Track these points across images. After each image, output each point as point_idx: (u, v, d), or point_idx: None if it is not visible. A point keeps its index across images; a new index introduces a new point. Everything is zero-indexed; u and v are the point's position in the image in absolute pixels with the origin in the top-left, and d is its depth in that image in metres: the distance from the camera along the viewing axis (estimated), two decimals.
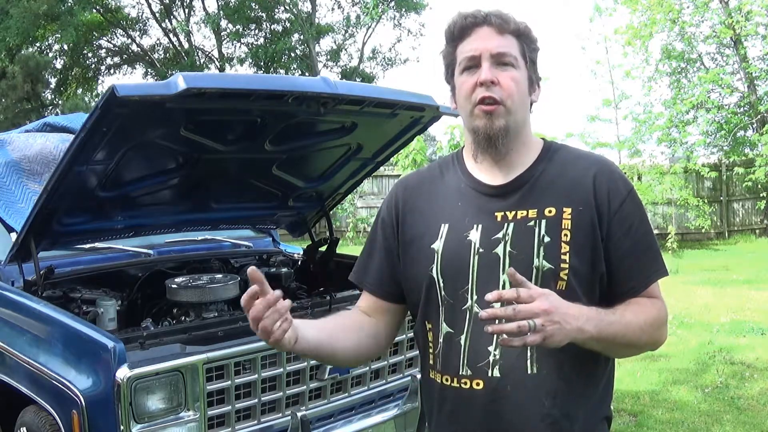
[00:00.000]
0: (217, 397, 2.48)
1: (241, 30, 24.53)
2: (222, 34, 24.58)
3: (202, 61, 25.19)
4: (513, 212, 1.41)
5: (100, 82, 26.36)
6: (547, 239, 1.37)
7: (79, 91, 25.83)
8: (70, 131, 3.75)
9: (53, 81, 23.68)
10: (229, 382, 2.49)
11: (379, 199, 15.67)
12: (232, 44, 25.43)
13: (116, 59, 26.41)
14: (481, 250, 1.41)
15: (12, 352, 2.60)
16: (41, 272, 2.76)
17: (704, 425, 4.09)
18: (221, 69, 24.49)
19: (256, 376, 2.57)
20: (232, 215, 3.50)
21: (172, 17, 25.20)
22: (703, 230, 14.30)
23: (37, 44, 22.82)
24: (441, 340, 1.45)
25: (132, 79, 26.27)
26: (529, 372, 1.36)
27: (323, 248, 3.71)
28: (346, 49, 26.41)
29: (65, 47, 23.70)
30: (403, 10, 25.17)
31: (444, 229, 1.46)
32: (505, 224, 1.41)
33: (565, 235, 1.38)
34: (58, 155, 3.35)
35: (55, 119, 4.06)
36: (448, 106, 2.99)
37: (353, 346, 1.52)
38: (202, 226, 3.58)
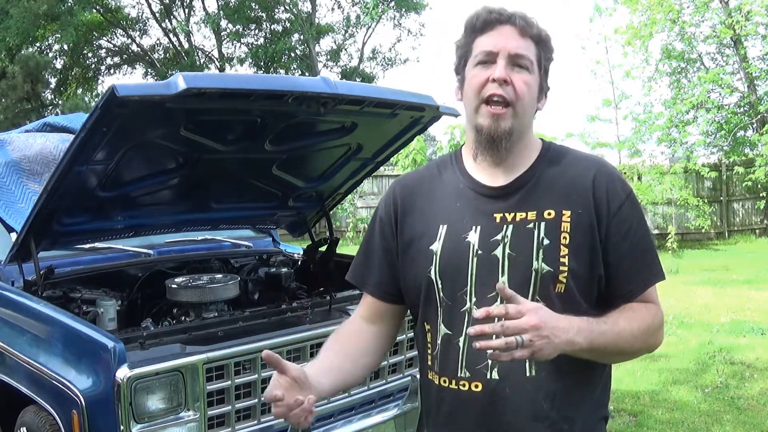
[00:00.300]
0: (217, 397, 2.48)
1: (241, 30, 24.53)
2: (222, 34, 24.58)
3: (202, 61, 25.19)
4: (512, 214, 1.41)
5: (100, 82, 26.38)
6: (546, 242, 1.37)
7: (79, 91, 25.83)
8: (70, 131, 3.75)
9: (53, 81, 23.68)
10: (229, 382, 2.49)
11: (378, 199, 15.66)
12: (232, 44, 25.45)
13: (116, 59, 26.42)
14: (479, 251, 1.40)
15: (12, 352, 2.60)
16: (41, 272, 2.76)
17: (704, 425, 4.09)
18: (221, 69, 24.49)
19: (256, 376, 2.57)
20: (232, 215, 3.49)
21: (172, 17, 25.21)
22: (703, 230, 14.30)
23: (37, 44, 22.82)
24: (439, 341, 1.45)
25: (132, 79, 26.30)
26: (527, 374, 1.36)
27: (323, 248, 3.71)
28: (346, 49, 26.44)
29: (65, 47, 23.70)
30: (403, 10, 25.17)
31: (442, 230, 1.45)
32: (504, 226, 1.40)
33: (564, 237, 1.37)
34: (58, 155, 3.35)
35: (55, 119, 4.06)
36: (448, 105, 3.01)
37: (363, 370, 1.58)
38: (202, 226, 3.58)
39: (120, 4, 24.58)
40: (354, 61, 26.38)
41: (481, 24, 1.42)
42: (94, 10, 23.46)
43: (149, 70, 25.66)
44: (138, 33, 25.65)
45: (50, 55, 23.39)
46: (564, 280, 1.36)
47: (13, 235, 2.91)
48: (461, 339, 1.41)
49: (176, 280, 3.07)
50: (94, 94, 25.21)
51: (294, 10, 24.13)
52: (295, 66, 24.81)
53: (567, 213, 1.39)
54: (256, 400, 2.59)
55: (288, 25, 24.55)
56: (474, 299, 1.40)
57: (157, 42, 26.45)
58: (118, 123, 2.31)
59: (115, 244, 3.31)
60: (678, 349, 5.69)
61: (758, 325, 6.48)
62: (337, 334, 1.59)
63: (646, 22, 14.58)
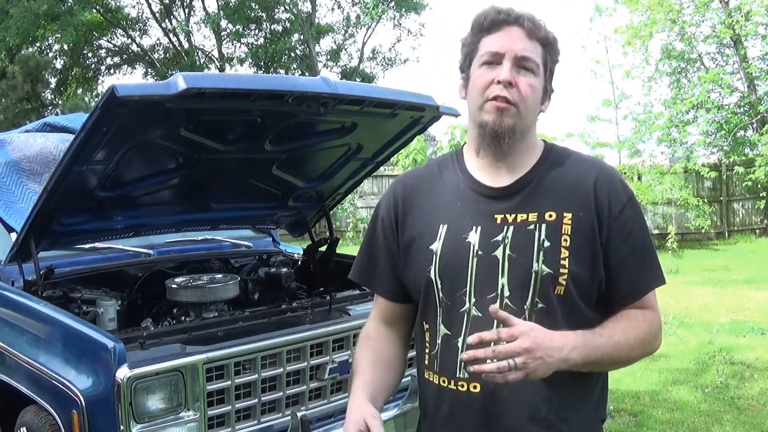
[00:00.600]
0: (217, 397, 2.48)
1: (241, 30, 24.53)
2: (222, 34, 24.58)
3: (202, 61, 25.19)
4: (513, 215, 1.41)
5: (100, 82, 26.38)
6: (547, 244, 1.37)
7: (79, 91, 25.83)
8: (70, 131, 3.75)
9: (53, 81, 23.68)
10: (229, 382, 2.49)
11: (379, 199, 15.64)
12: (232, 44, 25.46)
13: (116, 59, 26.42)
14: (480, 252, 1.40)
15: (12, 352, 2.60)
16: (41, 272, 2.76)
17: (704, 425, 4.09)
18: (221, 69, 24.49)
19: (256, 376, 2.57)
20: (232, 215, 3.49)
21: (172, 17, 25.21)
22: (703, 230, 14.30)
23: (37, 44, 22.82)
24: (439, 341, 1.45)
25: (132, 79, 26.30)
26: None
27: (323, 248, 3.71)
28: (346, 49, 26.44)
29: (65, 47, 23.71)
30: (403, 10, 25.17)
31: (443, 229, 1.45)
32: (505, 227, 1.40)
33: (565, 240, 1.37)
34: (58, 155, 3.35)
35: (55, 119, 4.06)
36: (448, 105, 3.01)
37: (400, 376, 1.60)
38: (202, 226, 3.58)
39: (120, 4, 24.60)
40: (354, 61, 26.40)
41: (489, 23, 1.42)
42: (94, 10, 23.45)
43: (149, 70, 25.66)
44: (138, 33, 25.68)
45: (50, 55, 23.39)
46: (564, 283, 1.36)
47: (13, 235, 2.91)
48: (460, 339, 1.41)
49: (176, 280, 3.07)
50: (94, 94, 25.22)
51: (294, 10, 24.13)
52: (295, 66, 24.81)
53: (568, 215, 1.39)
54: (256, 400, 2.59)
55: (288, 25, 24.55)
56: (473, 300, 1.40)
57: (157, 42, 26.49)
58: (118, 123, 2.31)
59: (115, 244, 3.31)
60: (678, 349, 5.69)
61: (758, 325, 6.48)
62: (369, 343, 1.58)
63: (646, 22, 14.59)
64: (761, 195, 14.05)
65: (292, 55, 25.09)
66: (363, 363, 1.53)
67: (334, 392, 2.87)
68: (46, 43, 23.53)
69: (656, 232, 14.07)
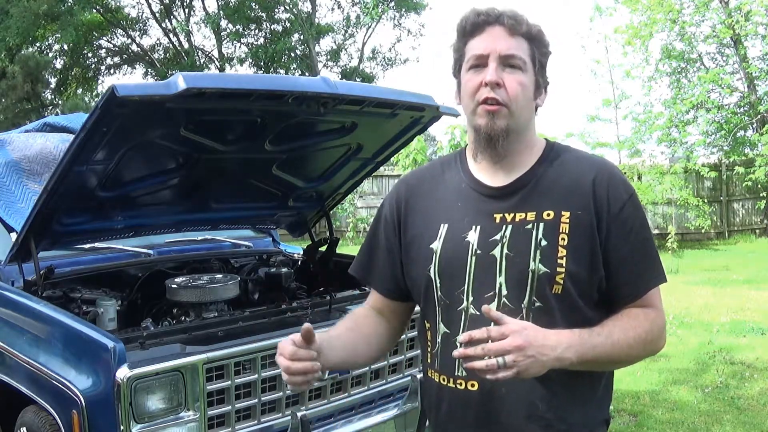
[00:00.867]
0: (217, 397, 2.47)
1: (241, 30, 24.54)
2: (222, 34, 24.58)
3: (202, 61, 25.19)
4: (512, 214, 1.41)
5: (100, 82, 26.39)
6: (544, 243, 1.37)
7: (79, 91, 25.84)
8: (70, 131, 3.75)
9: (53, 81, 23.69)
10: (229, 382, 2.49)
11: (379, 199, 15.66)
12: (232, 44, 25.46)
13: (116, 59, 26.43)
14: (478, 251, 1.41)
15: (12, 352, 2.60)
16: (41, 272, 2.76)
17: (704, 425, 4.09)
18: (221, 69, 24.49)
19: (256, 376, 2.57)
20: (232, 215, 3.49)
21: (172, 17, 25.21)
22: (703, 230, 14.30)
23: (37, 44, 22.83)
24: (439, 339, 1.46)
25: (132, 79, 26.30)
26: None
27: (323, 248, 3.71)
28: (346, 49, 26.45)
29: (65, 47, 23.71)
30: (403, 10, 25.18)
31: (443, 229, 1.45)
32: (504, 226, 1.40)
33: (563, 239, 1.37)
34: (58, 155, 3.35)
35: (55, 119, 4.06)
36: (448, 105, 3.01)
37: (374, 351, 1.59)
38: (202, 226, 3.58)
39: (120, 4, 24.61)
40: (354, 61, 26.41)
41: (470, 27, 1.42)
42: (94, 10, 23.46)
43: (149, 70, 25.67)
44: (138, 33, 25.69)
45: (50, 55, 23.40)
46: (561, 281, 1.36)
47: (13, 235, 2.91)
48: (459, 345, 1.41)
49: (176, 280, 3.07)
50: (94, 94, 25.23)
51: (294, 10, 24.13)
52: (295, 66, 24.82)
53: (566, 214, 1.38)
54: (256, 400, 2.58)
55: (288, 25, 24.56)
56: (471, 298, 1.40)
57: (157, 42, 26.50)
58: (118, 123, 2.31)
59: (115, 244, 3.31)
60: (678, 349, 5.68)
61: (758, 325, 6.48)
62: (353, 315, 1.62)
63: (646, 22, 14.58)
64: (761, 195, 14.05)
65: (292, 55, 25.09)
66: (338, 325, 1.55)
67: (334, 392, 2.87)
68: (46, 43, 23.54)
69: (656, 232, 14.05)
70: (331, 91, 2.53)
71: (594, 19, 15.78)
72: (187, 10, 25.11)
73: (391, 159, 4.73)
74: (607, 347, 1.34)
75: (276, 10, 24.58)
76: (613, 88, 15.63)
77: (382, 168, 3.97)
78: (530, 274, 1.36)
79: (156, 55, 26.18)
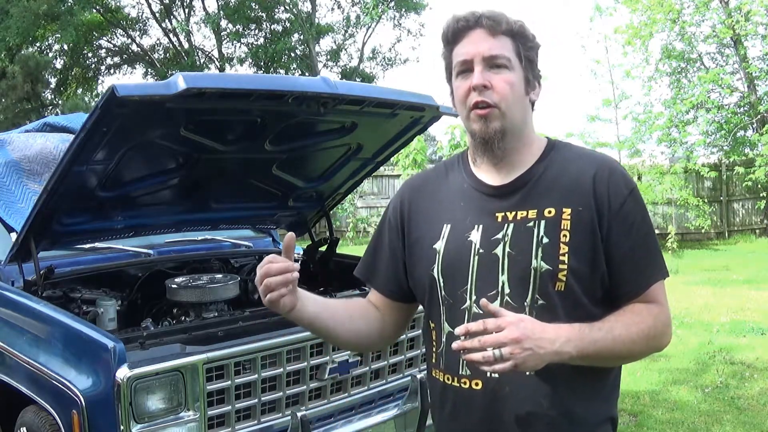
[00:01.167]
0: (217, 397, 2.47)
1: (241, 30, 24.53)
2: (222, 34, 24.58)
3: (202, 61, 25.19)
4: (513, 213, 1.41)
5: (100, 82, 26.40)
6: (545, 240, 1.37)
7: (79, 91, 25.84)
8: (70, 131, 3.75)
9: (53, 81, 23.70)
10: (229, 382, 2.49)
11: (379, 199, 15.67)
12: (232, 44, 25.46)
13: (116, 59, 26.43)
14: (481, 250, 1.41)
15: (12, 352, 2.60)
16: (41, 272, 2.76)
17: (704, 425, 4.09)
18: (221, 69, 24.49)
19: (256, 376, 2.57)
20: (232, 215, 3.49)
21: (172, 17, 25.21)
22: (703, 230, 14.30)
23: (37, 44, 22.83)
24: (443, 339, 1.46)
25: (132, 79, 26.31)
26: (527, 373, 1.35)
27: (323, 248, 3.71)
28: (346, 49, 26.45)
29: (65, 47, 23.71)
30: (403, 10, 25.18)
31: (446, 229, 1.46)
32: (505, 225, 1.41)
33: (564, 235, 1.37)
34: (58, 155, 3.35)
35: (55, 119, 4.06)
36: (448, 106, 3.00)
37: (354, 330, 1.56)
38: (202, 226, 3.58)
39: (120, 4, 24.61)
40: (354, 61, 26.41)
41: (452, 35, 1.44)
42: (94, 10, 23.46)
43: (149, 70, 25.67)
44: (138, 33, 25.69)
45: (50, 55, 23.41)
46: (563, 278, 1.36)
47: (13, 235, 2.91)
48: (462, 337, 1.41)
49: (176, 280, 3.07)
50: (94, 94, 25.24)
51: (294, 10, 24.13)
52: (295, 66, 24.82)
53: (567, 211, 1.38)
54: (256, 400, 2.58)
55: (288, 25, 24.55)
56: (474, 297, 1.40)
57: (157, 42, 26.50)
58: (118, 123, 2.31)
59: (115, 244, 3.31)
60: (678, 349, 5.68)
61: (758, 325, 6.48)
62: (349, 299, 1.65)
63: (646, 22, 14.58)
64: (761, 195, 14.05)
65: (292, 55, 25.09)
66: (333, 300, 1.60)
67: (334, 392, 2.87)
68: (46, 43, 23.55)
69: (656, 232, 13.87)
70: (331, 91, 2.53)
71: (594, 19, 15.76)
72: (187, 10, 25.12)
73: (391, 159, 4.73)
74: (608, 342, 1.33)
75: (276, 10, 24.58)
76: (613, 88, 15.62)
77: (382, 168, 3.98)
78: (532, 271, 1.37)
79: (156, 55, 26.18)
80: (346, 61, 26.53)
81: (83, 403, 2.25)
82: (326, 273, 3.65)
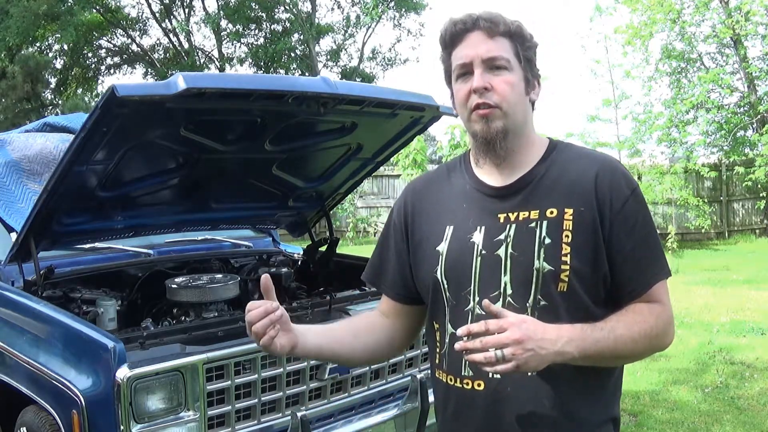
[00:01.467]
0: (217, 397, 2.47)
1: (241, 30, 24.53)
2: (222, 34, 24.58)
3: (202, 61, 25.19)
4: (515, 213, 1.41)
5: (100, 82, 26.39)
6: (547, 240, 1.37)
7: (79, 91, 25.84)
8: (70, 131, 3.75)
9: (53, 81, 23.70)
10: (229, 382, 2.49)
11: (379, 199, 15.67)
12: (232, 44, 25.46)
13: (116, 59, 26.43)
14: (483, 251, 1.41)
15: (12, 352, 2.60)
16: (41, 272, 2.76)
17: (704, 425, 4.09)
18: (221, 69, 24.49)
19: (256, 376, 2.57)
20: (232, 215, 3.50)
21: (172, 17, 25.21)
22: (703, 230, 14.30)
23: (37, 44, 22.83)
24: (446, 340, 1.46)
25: (132, 79, 26.31)
26: (529, 374, 1.35)
27: (323, 248, 3.71)
28: (346, 49, 26.44)
29: (65, 47, 23.71)
30: (403, 10, 25.17)
31: (449, 230, 1.46)
32: (508, 226, 1.41)
33: (566, 236, 1.37)
34: (58, 155, 3.35)
35: (55, 119, 4.06)
36: (448, 106, 3.00)
37: (361, 347, 1.56)
38: (202, 226, 3.58)
39: (120, 4, 24.60)
40: (354, 61, 26.41)
41: (450, 38, 1.43)
42: (94, 10, 23.46)
43: (149, 70, 25.66)
44: (138, 33, 25.68)
45: (50, 55, 23.41)
46: (566, 279, 1.36)
47: (13, 235, 2.91)
48: (465, 338, 1.41)
49: (176, 280, 3.07)
50: (94, 94, 25.24)
51: (294, 10, 24.13)
52: (295, 66, 24.82)
53: (569, 211, 1.38)
54: (256, 400, 2.58)
55: (288, 25, 24.55)
56: (477, 298, 1.40)
57: (157, 42, 26.49)
58: (118, 123, 2.31)
59: (115, 244, 3.31)
60: (678, 349, 5.68)
61: (758, 325, 6.48)
62: (356, 315, 1.66)
63: (647, 22, 14.57)
64: (761, 195, 14.05)
65: (292, 55, 25.09)
66: (339, 323, 1.62)
67: (334, 392, 2.87)
68: (46, 43, 23.55)
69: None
70: (331, 91, 2.53)
71: (594, 19, 15.76)
72: (187, 10, 25.11)
73: (391, 159, 4.73)
74: (610, 342, 1.33)
75: (276, 10, 24.57)
76: (613, 88, 15.61)
77: (382, 168, 3.98)
78: (534, 272, 1.37)
79: (156, 55, 26.18)
80: (346, 61, 26.56)
81: (83, 403, 2.25)
82: (326, 273, 3.65)
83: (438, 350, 1.50)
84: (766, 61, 15.15)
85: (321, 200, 3.62)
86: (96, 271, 3.21)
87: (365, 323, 1.61)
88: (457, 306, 1.43)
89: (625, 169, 1.48)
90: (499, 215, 1.42)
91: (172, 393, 2.33)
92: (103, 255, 3.30)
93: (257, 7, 24.28)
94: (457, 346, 1.27)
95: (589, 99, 41.08)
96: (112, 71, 26.50)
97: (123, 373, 2.21)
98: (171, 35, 25.45)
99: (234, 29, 24.44)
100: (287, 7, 24.21)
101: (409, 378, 3.09)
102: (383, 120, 2.97)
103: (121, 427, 2.22)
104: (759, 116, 14.66)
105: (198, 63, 24.47)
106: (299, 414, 2.65)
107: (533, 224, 1.39)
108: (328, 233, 3.70)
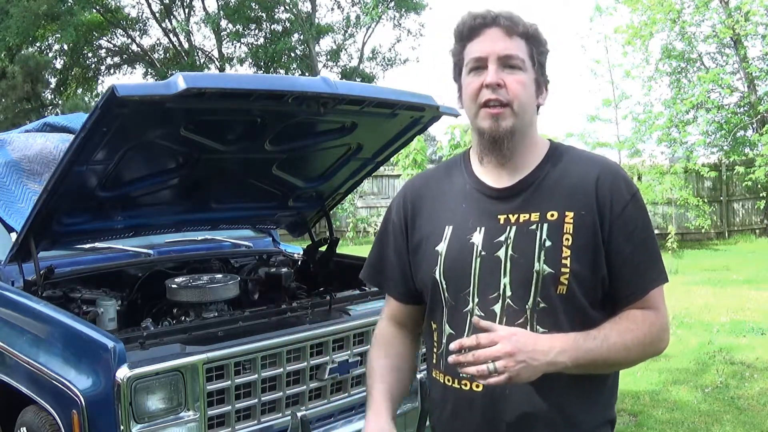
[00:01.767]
0: (217, 397, 2.48)
1: (241, 30, 24.52)
2: (222, 34, 24.57)
3: (202, 61, 25.19)
4: (516, 215, 1.41)
5: (100, 82, 26.39)
6: (548, 243, 1.37)
7: (79, 91, 25.84)
8: (70, 131, 3.75)
9: (53, 81, 23.70)
10: (229, 382, 2.49)
11: (379, 199, 15.67)
12: (232, 44, 25.45)
13: (116, 59, 26.42)
14: (483, 252, 1.41)
15: (12, 352, 2.60)
16: (41, 272, 2.76)
17: (704, 425, 4.09)
18: (221, 69, 24.49)
19: (256, 376, 2.57)
20: (232, 215, 3.49)
21: (172, 17, 25.20)
22: (703, 230, 14.30)
23: (37, 44, 22.83)
24: (444, 340, 1.46)
25: (132, 79, 26.30)
26: None
27: (323, 248, 3.71)
28: (346, 49, 26.43)
29: (65, 47, 23.71)
30: (403, 10, 25.16)
31: (448, 231, 1.46)
32: (508, 227, 1.41)
33: (567, 239, 1.37)
34: (58, 155, 3.35)
35: (55, 119, 4.06)
36: (448, 105, 3.01)
37: (405, 375, 1.61)
38: (202, 226, 3.58)
39: (120, 4, 24.59)
40: (354, 61, 26.39)
41: (468, 31, 1.43)
42: (94, 10, 23.45)
43: (149, 70, 25.65)
44: (138, 33, 25.67)
45: (50, 55, 23.41)
46: (566, 282, 1.36)
47: (13, 235, 2.91)
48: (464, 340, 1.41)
49: (176, 280, 3.07)
50: (94, 94, 25.24)
51: (294, 10, 24.12)
52: (295, 66, 24.81)
53: (570, 214, 1.39)
54: (256, 400, 2.58)
55: (288, 25, 24.55)
56: (476, 300, 1.41)
57: (157, 42, 26.49)
58: (118, 123, 2.31)
59: (115, 244, 3.31)
60: (678, 349, 5.68)
61: (758, 325, 6.48)
62: (384, 347, 1.61)
63: (647, 22, 14.57)
64: (761, 195, 14.05)
65: (292, 55, 25.09)
66: (383, 368, 1.57)
67: (334, 392, 2.87)
68: (46, 43, 23.54)
69: (656, 232, 13.88)
70: (331, 91, 2.53)
71: (594, 19, 15.75)
72: (187, 10, 25.11)
73: (391, 159, 4.73)
74: (603, 351, 1.34)
75: (276, 10, 24.57)
76: (613, 88, 15.61)
77: (382, 168, 3.98)
78: (535, 274, 1.37)
79: (156, 55, 26.17)
80: (346, 61, 26.55)
81: (83, 403, 2.25)
82: (326, 273, 3.65)
83: (435, 350, 1.50)
84: (766, 61, 15.14)
85: (321, 200, 3.62)
86: (96, 271, 3.21)
87: (392, 352, 1.60)
88: (456, 307, 1.43)
89: (626, 173, 1.48)
90: (499, 216, 1.42)
91: (172, 393, 2.33)
92: (103, 255, 3.30)
93: (257, 7, 24.27)
94: (451, 359, 1.30)
95: (589, 99, 41.08)
96: (112, 71, 26.52)
97: (123, 373, 2.21)
98: (171, 35, 25.46)
99: (234, 29, 24.43)
100: (287, 7, 24.21)
101: None
102: (383, 120, 2.97)
103: (121, 427, 2.22)
104: (759, 116, 14.66)
105: (198, 63, 24.47)
106: (299, 414, 2.65)
107: (534, 226, 1.39)
108: (328, 233, 3.70)
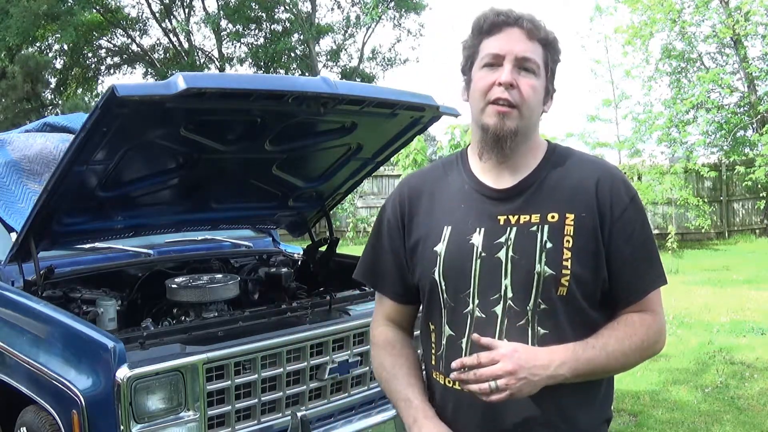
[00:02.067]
0: (217, 397, 2.47)
1: (241, 30, 24.53)
2: (222, 34, 24.58)
3: (202, 61, 25.19)
4: (516, 216, 1.41)
5: (100, 82, 26.39)
6: (549, 245, 1.37)
7: (79, 91, 25.84)
8: (70, 131, 3.75)
9: (53, 81, 23.70)
10: (229, 382, 2.49)
11: (379, 199, 15.66)
12: (232, 44, 25.45)
13: (116, 59, 26.42)
14: (483, 254, 1.40)
15: (12, 352, 2.60)
16: (41, 272, 2.76)
17: (704, 425, 4.09)
18: (221, 69, 24.49)
19: (256, 376, 2.57)
20: (232, 215, 3.49)
21: (172, 17, 25.21)
22: (703, 230, 14.30)
23: (37, 44, 22.83)
24: (443, 342, 1.46)
25: (132, 79, 26.30)
26: None
27: (323, 248, 3.71)
28: (346, 49, 26.43)
29: (65, 47, 23.71)
30: (403, 10, 25.17)
31: (447, 231, 1.45)
32: (508, 228, 1.40)
33: (567, 241, 1.37)
34: (58, 155, 3.35)
35: (55, 119, 4.06)
36: (448, 106, 3.01)
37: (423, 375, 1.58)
38: (202, 226, 3.58)
39: (120, 4, 24.60)
40: (354, 61, 26.39)
41: (489, 26, 1.42)
42: (94, 10, 23.45)
43: (149, 70, 25.65)
44: (138, 33, 25.67)
45: (50, 55, 23.41)
46: (566, 284, 1.36)
47: (13, 235, 2.91)
48: (464, 341, 1.41)
49: (176, 280, 3.07)
50: (94, 94, 25.23)
51: (294, 10, 24.13)
52: (295, 66, 24.82)
53: (570, 216, 1.39)
54: (256, 400, 2.58)
55: (288, 25, 24.55)
56: (476, 301, 1.40)
57: (157, 42, 26.49)
58: (118, 123, 2.31)
59: (115, 244, 3.31)
60: (678, 349, 5.68)
61: (758, 325, 6.48)
62: (389, 348, 1.57)
63: (647, 22, 14.57)
64: (761, 195, 14.05)
65: (292, 55, 25.09)
66: (403, 367, 1.52)
67: (334, 392, 2.87)
68: (46, 43, 23.54)
69: (656, 232, 14.04)
70: (331, 91, 2.53)
71: (594, 19, 15.76)
72: (187, 10, 25.11)
73: (391, 159, 4.73)
74: (602, 359, 1.36)
75: (276, 10, 24.57)
76: (613, 88, 15.61)
77: (382, 168, 3.98)
78: (536, 276, 1.37)
79: (156, 55, 26.17)
80: (346, 61, 26.55)
81: (83, 403, 2.25)
82: (326, 273, 3.65)
83: (434, 352, 1.49)
84: (766, 61, 15.14)
85: (321, 200, 3.62)
86: (96, 271, 3.21)
87: (403, 353, 1.55)
88: (456, 308, 1.43)
89: (625, 176, 1.49)
90: (498, 217, 1.42)
91: (172, 393, 2.33)
92: (103, 255, 3.30)
93: (257, 7, 24.27)
94: (452, 376, 1.33)
95: (589, 99, 41.06)
96: (112, 71, 26.52)
97: (123, 373, 2.21)
98: (171, 35, 25.46)
99: (234, 29, 24.44)
100: (287, 7, 24.21)
101: None
102: (383, 120, 2.97)
103: (121, 427, 2.22)
104: (759, 116, 14.66)
105: (198, 63, 24.47)
106: (299, 414, 2.65)
107: (534, 228, 1.39)
108: (328, 233, 3.70)
